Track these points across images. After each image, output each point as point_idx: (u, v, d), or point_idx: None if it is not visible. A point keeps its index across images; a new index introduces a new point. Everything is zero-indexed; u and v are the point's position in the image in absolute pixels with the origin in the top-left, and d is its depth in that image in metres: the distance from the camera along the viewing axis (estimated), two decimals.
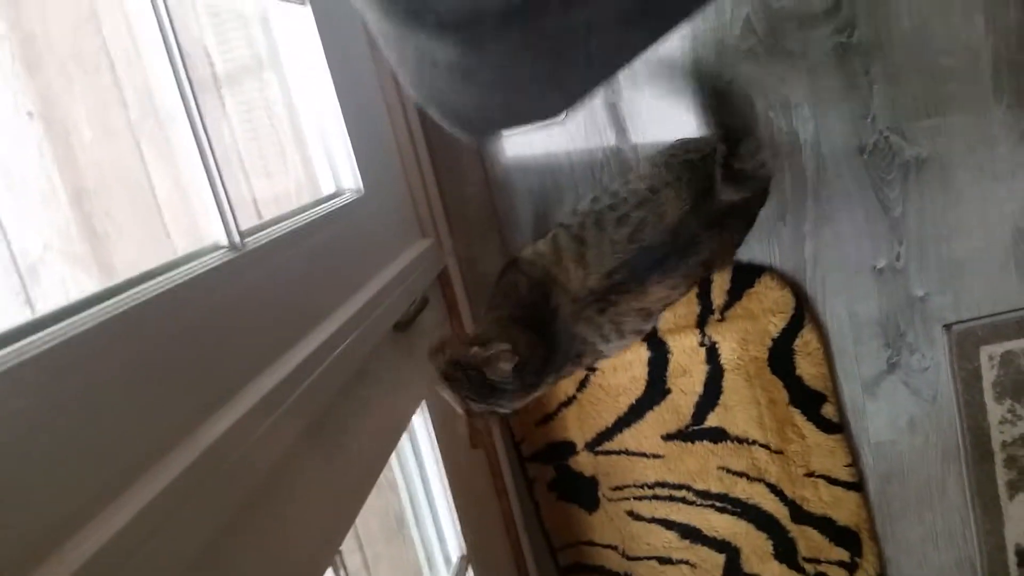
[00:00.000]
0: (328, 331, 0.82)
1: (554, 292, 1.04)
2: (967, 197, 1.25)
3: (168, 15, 0.69)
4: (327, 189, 1.06)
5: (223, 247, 0.72)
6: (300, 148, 1.13)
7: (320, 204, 0.97)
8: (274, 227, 0.84)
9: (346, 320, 0.86)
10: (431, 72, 0.48)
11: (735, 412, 1.37)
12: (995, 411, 1.34)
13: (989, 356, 1.31)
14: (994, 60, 1.18)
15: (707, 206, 1.02)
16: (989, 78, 1.19)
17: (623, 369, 1.38)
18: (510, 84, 0.51)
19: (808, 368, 1.33)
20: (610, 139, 1.29)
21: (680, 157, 1.07)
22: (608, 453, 1.44)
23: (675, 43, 1.24)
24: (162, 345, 0.57)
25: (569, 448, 1.45)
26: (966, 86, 1.20)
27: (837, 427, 1.35)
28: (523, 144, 1.31)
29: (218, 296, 0.66)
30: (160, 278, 0.61)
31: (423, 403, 1.15)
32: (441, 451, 1.18)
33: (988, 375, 1.32)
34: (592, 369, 1.38)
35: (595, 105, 1.27)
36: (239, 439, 0.58)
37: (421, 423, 1.16)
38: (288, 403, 0.67)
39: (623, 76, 1.26)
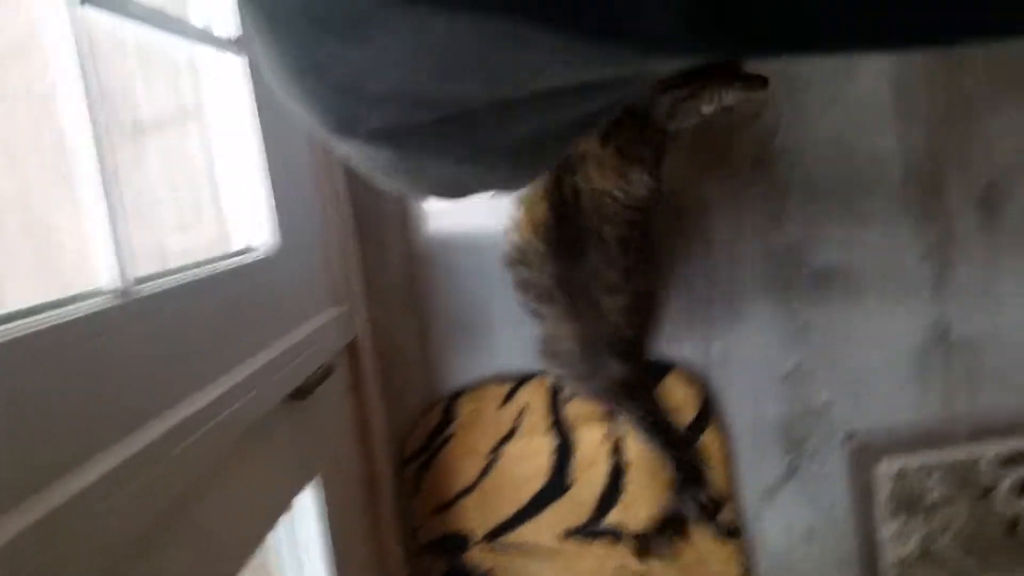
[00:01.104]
0: (214, 393, 0.78)
1: None
2: (874, 309, 1.31)
3: (91, 54, 0.68)
4: (240, 244, 1.04)
5: (110, 292, 0.68)
6: (219, 200, 1.10)
7: (229, 259, 0.95)
8: (171, 277, 0.80)
9: (237, 383, 0.82)
10: (372, 165, 0.49)
11: (637, 510, 1.36)
12: (889, 526, 1.37)
13: (886, 469, 1.36)
14: (904, 176, 1.27)
15: None
16: (899, 193, 1.28)
17: (528, 458, 1.36)
18: (454, 181, 0.54)
19: (709, 470, 1.34)
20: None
21: None
22: (506, 547, 1.40)
23: None
24: (19, 388, 0.52)
25: (464, 541, 1.40)
26: (877, 199, 1.28)
27: (734, 533, 1.36)
28: (446, 217, 1.32)
29: (96, 343, 0.63)
30: (34, 317, 0.58)
31: (316, 479, 1.09)
32: (332, 534, 1.13)
33: (884, 488, 1.36)
34: (495, 457, 1.36)
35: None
36: (84, 510, 0.53)
37: (310, 501, 1.10)
38: (154, 470, 0.62)
39: None
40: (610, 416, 1.33)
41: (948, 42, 0.32)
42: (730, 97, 0.89)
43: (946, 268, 1.29)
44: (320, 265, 1.22)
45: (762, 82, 0.89)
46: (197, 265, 0.89)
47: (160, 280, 0.79)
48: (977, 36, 0.31)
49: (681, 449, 1.21)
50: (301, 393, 1.04)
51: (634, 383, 1.15)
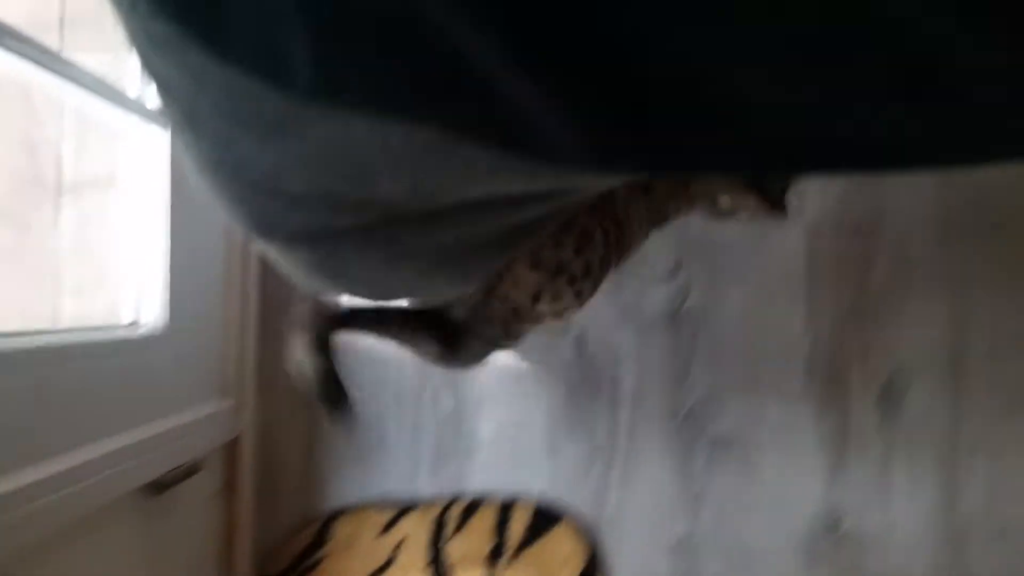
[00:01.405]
0: (51, 470, 0.71)
1: None
2: (767, 482, 1.30)
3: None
4: (127, 317, 0.99)
5: None
6: (118, 270, 1.06)
7: (105, 330, 0.90)
8: (33, 337, 0.75)
9: (80, 463, 0.76)
10: (293, 266, 0.48)
11: None
12: None
13: None
14: (810, 353, 1.30)
15: None
16: (803, 370, 1.30)
17: None
18: (379, 285, 0.52)
19: None
20: None
21: None
22: None
23: None
24: None
25: None
26: (781, 374, 1.30)
27: None
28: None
29: None
30: None
31: None
32: None
33: None
34: None
35: None
36: None
37: None
38: None
39: None
40: (491, 560, 1.26)
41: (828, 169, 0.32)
42: (749, 203, 0.89)
43: (842, 458, 1.30)
44: (211, 354, 1.17)
45: (783, 212, 0.89)
46: (68, 331, 0.84)
47: (22, 339, 0.74)
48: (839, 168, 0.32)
49: None
50: (158, 488, 0.97)
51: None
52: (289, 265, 0.48)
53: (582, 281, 0.80)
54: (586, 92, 0.29)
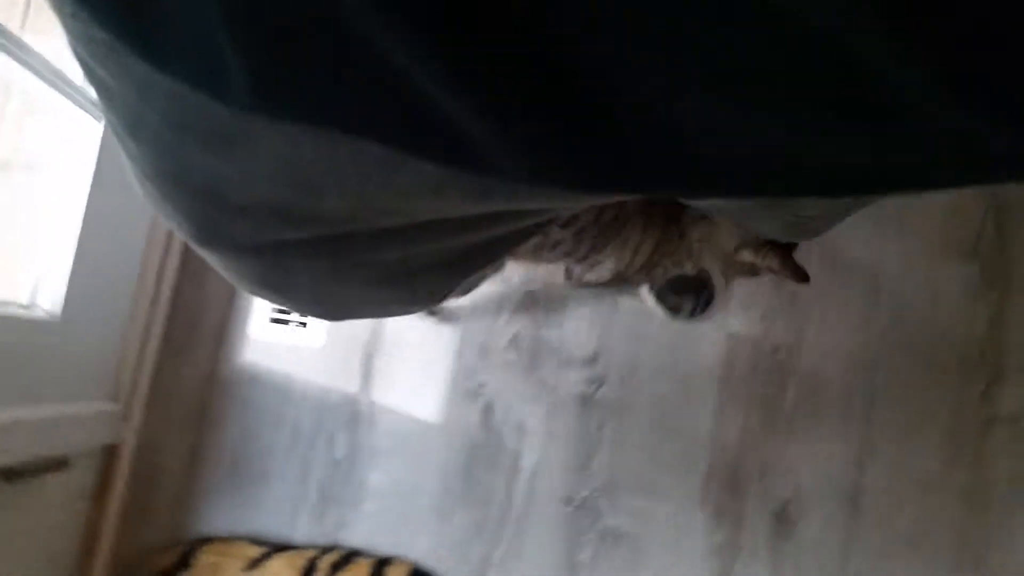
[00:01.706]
0: None
1: None
2: None
3: None
4: (20, 296, 0.97)
5: None
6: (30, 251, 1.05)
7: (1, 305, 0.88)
8: None
9: None
10: (237, 275, 0.47)
11: None
12: None
13: None
14: (712, 461, 1.30)
15: None
16: (701, 480, 1.30)
17: None
18: (328, 301, 0.51)
19: None
20: (353, 386, 1.28)
21: None
22: None
23: (446, 330, 1.30)
24: None
25: None
26: (680, 480, 1.29)
27: None
28: (265, 353, 1.28)
29: None
30: None
31: None
32: None
33: None
34: None
35: (353, 347, 1.28)
36: None
37: None
38: None
39: (388, 333, 1.29)
40: None
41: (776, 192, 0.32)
42: (772, 264, 0.90)
43: (728, 571, 1.28)
44: (106, 354, 1.14)
45: (803, 277, 0.91)
46: None
47: None
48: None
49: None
50: (11, 475, 0.93)
51: None
52: (232, 274, 0.47)
53: None
54: (517, 108, 0.29)
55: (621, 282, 1.13)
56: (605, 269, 1.09)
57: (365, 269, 0.46)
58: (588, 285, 1.21)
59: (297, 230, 0.39)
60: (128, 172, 0.40)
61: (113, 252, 1.09)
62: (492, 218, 0.42)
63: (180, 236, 0.42)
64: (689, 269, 1.03)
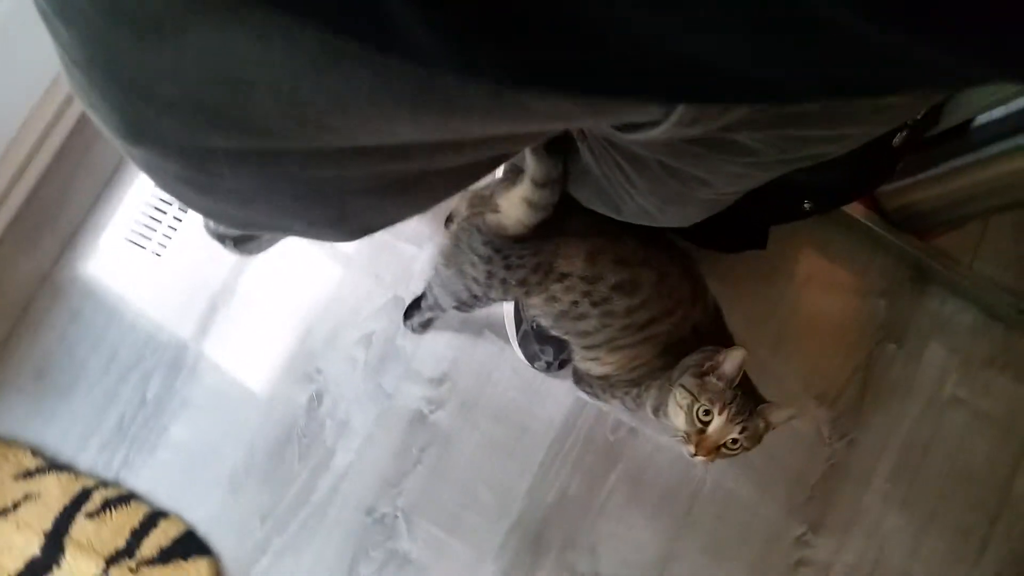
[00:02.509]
0: None
1: None
2: None
3: None
4: None
5: None
6: None
7: None
8: None
9: None
10: (160, 178, 0.45)
11: None
12: None
13: None
14: (518, 519, 1.27)
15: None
16: (505, 532, 1.26)
17: (1, 547, 1.15)
18: (251, 206, 0.49)
19: None
20: (187, 331, 1.23)
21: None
22: None
23: (301, 305, 1.25)
24: None
25: None
26: (484, 525, 1.26)
27: None
28: (109, 270, 1.23)
29: None
30: None
31: None
32: None
33: None
34: None
35: (200, 292, 1.23)
36: None
37: None
38: None
39: (240, 289, 1.24)
40: (112, 560, 1.16)
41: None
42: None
43: None
44: None
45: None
46: None
47: None
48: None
49: None
50: None
51: None
52: (156, 173, 0.45)
53: None
54: None
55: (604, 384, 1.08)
56: (601, 368, 1.05)
57: (297, 184, 0.44)
58: (581, 380, 1.18)
59: (227, 137, 0.38)
60: (60, 62, 0.38)
61: None
62: (430, 148, 0.42)
63: (105, 132, 0.40)
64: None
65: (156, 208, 1.26)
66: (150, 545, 1.18)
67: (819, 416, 1.33)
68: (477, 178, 0.54)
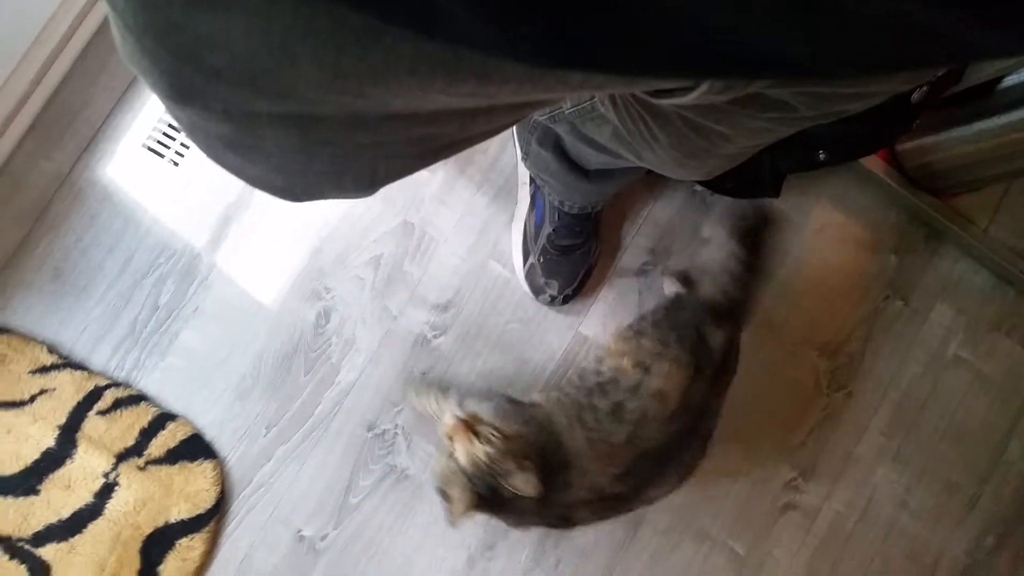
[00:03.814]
0: None
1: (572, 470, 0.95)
2: (414, 536, 1.27)
3: None
4: None
5: None
6: None
7: None
8: None
9: None
10: (203, 138, 0.47)
11: (76, 560, 1.19)
12: None
13: None
14: None
15: (707, 361, 0.96)
16: None
17: (17, 438, 1.19)
18: (289, 171, 0.50)
19: (172, 571, 1.21)
20: (201, 241, 1.24)
21: (664, 316, 1.02)
22: None
23: (313, 224, 1.25)
24: None
25: None
26: None
27: None
28: (127, 175, 1.23)
29: None
30: None
31: None
32: None
33: None
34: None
35: (215, 204, 1.23)
36: None
37: None
38: None
39: (255, 204, 1.24)
40: (121, 456, 1.19)
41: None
42: None
43: (491, 548, 1.27)
44: None
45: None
46: None
47: None
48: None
49: None
50: None
51: None
52: (199, 134, 0.47)
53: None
54: None
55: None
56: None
57: (334, 147, 0.46)
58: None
59: (271, 103, 0.39)
60: (112, 26, 0.39)
61: (8, 7, 1.02)
62: (464, 113, 0.44)
63: (153, 91, 0.42)
64: None
65: None
66: (158, 445, 1.21)
67: (819, 366, 1.33)
68: (501, 131, 0.55)
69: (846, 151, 1.23)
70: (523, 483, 0.90)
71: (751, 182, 1.23)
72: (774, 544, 1.30)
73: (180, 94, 0.40)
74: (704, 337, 0.97)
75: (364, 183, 0.54)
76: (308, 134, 0.44)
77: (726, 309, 1.01)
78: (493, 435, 0.93)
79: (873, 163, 1.30)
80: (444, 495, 0.96)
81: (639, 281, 1.31)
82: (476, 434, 0.93)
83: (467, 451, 0.92)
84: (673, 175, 0.77)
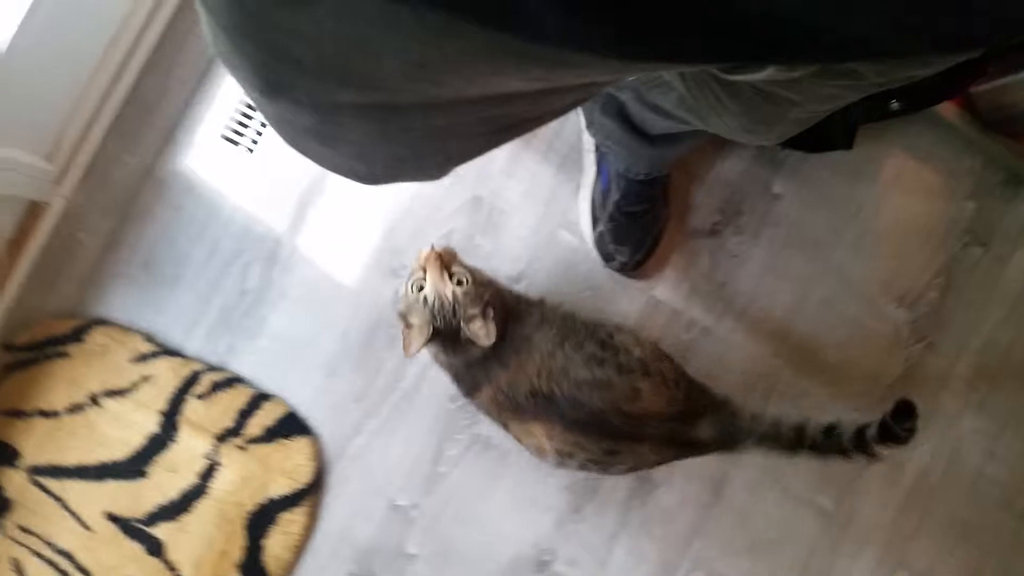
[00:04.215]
0: None
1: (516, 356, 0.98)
2: (502, 501, 1.30)
3: None
4: None
5: None
6: None
7: None
8: None
9: None
10: (288, 127, 0.50)
11: (186, 538, 1.25)
12: None
13: None
14: None
15: (687, 437, 0.98)
16: None
17: (123, 424, 1.24)
18: (370, 157, 0.53)
19: (276, 546, 1.26)
20: (281, 226, 1.27)
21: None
22: (45, 491, 1.25)
23: (385, 205, 1.27)
24: None
25: (11, 456, 1.24)
26: None
27: None
28: (206, 165, 1.26)
29: None
30: None
31: None
32: None
33: None
34: (95, 402, 1.24)
35: (291, 189, 1.26)
36: None
37: None
38: None
39: (329, 188, 1.27)
40: (221, 437, 1.24)
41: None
42: None
43: (579, 510, 1.29)
44: (50, 113, 1.11)
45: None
46: None
47: None
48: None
49: None
50: None
51: None
52: (285, 126, 0.49)
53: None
54: None
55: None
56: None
57: (411, 132, 0.48)
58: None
59: (356, 94, 0.41)
60: (203, 24, 0.41)
61: (85, 8, 1.04)
62: (535, 95, 0.45)
63: (244, 88, 0.44)
64: None
65: (248, 105, 1.28)
66: (255, 424, 1.26)
67: (898, 318, 1.31)
68: (570, 110, 0.56)
69: (920, 99, 1.20)
70: (481, 331, 0.92)
71: (823, 136, 1.21)
72: (861, 498, 1.30)
73: (271, 88, 0.42)
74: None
75: (439, 165, 0.57)
76: (388, 121, 0.46)
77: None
78: (466, 277, 0.94)
79: (946, 108, 1.27)
80: (404, 321, 0.97)
81: (710, 242, 1.30)
82: (450, 273, 0.94)
83: (436, 285, 0.93)
84: (741, 140, 0.77)
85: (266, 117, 0.49)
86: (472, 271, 0.96)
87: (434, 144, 0.52)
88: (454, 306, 0.92)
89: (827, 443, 0.94)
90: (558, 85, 0.45)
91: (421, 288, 0.93)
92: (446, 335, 0.94)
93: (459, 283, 0.92)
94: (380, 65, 0.38)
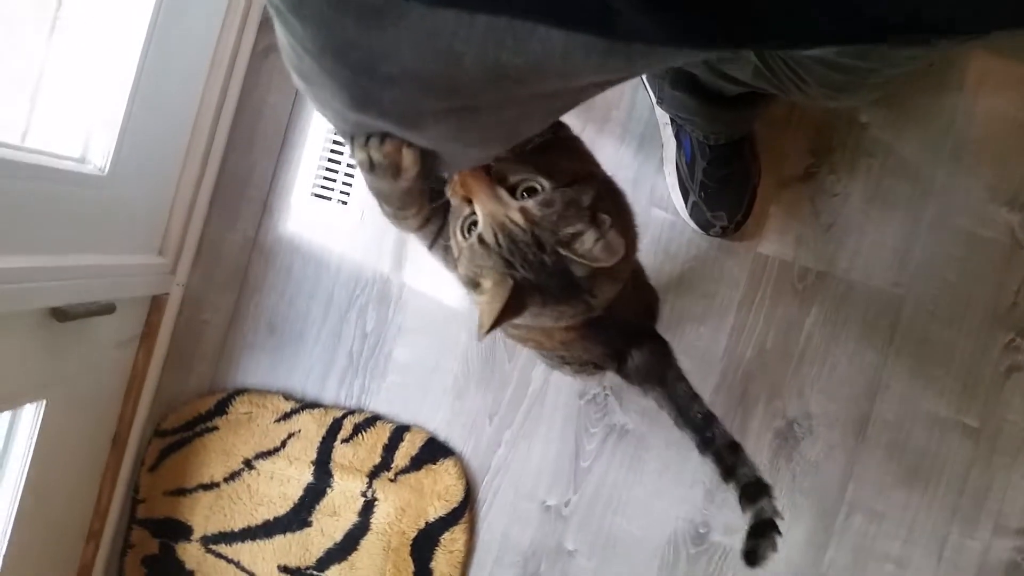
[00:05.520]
0: None
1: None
2: (649, 483, 1.30)
3: None
4: (69, 150, 0.97)
5: None
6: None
7: (52, 156, 0.89)
8: None
9: None
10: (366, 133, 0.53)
11: (358, 574, 1.29)
12: None
13: None
14: (721, 379, 1.29)
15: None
16: (710, 392, 1.28)
17: (280, 481, 1.29)
18: (441, 152, 0.54)
19: (443, 565, 1.29)
20: (385, 266, 1.29)
21: None
22: (220, 557, 1.31)
23: None
24: None
25: (185, 532, 1.31)
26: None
27: None
28: (305, 225, 1.29)
29: None
30: None
31: (40, 403, 1.01)
32: (34, 463, 1.03)
33: None
34: (249, 466, 1.29)
35: (386, 230, 1.28)
36: None
37: (24, 422, 1.02)
38: None
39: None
40: (373, 474, 1.28)
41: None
42: None
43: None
44: (155, 210, 1.16)
45: None
46: (15, 147, 0.83)
47: None
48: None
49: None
50: (64, 315, 0.97)
51: None
52: (361, 128, 0.51)
53: None
54: None
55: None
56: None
57: (485, 128, 0.50)
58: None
59: (438, 100, 0.43)
60: (288, 50, 0.43)
61: (165, 112, 1.08)
62: (604, 83, 0.47)
63: (328, 105, 0.47)
64: None
65: (330, 160, 1.31)
66: (401, 456, 1.29)
67: (1011, 221, 1.25)
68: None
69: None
70: (598, 246, 0.51)
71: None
72: (1006, 409, 1.26)
73: (358, 102, 0.44)
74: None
75: (505, 145, 0.57)
76: (464, 120, 0.47)
77: None
78: (537, 182, 0.59)
79: None
80: (473, 288, 0.61)
81: (807, 186, 1.27)
82: (509, 185, 0.52)
83: (492, 212, 0.49)
84: (824, 106, 0.77)
85: (345, 124, 0.51)
86: (548, 164, 0.60)
87: (501, 130, 0.53)
88: (533, 232, 0.57)
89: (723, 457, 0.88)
90: (631, 74, 0.46)
91: (473, 227, 0.60)
92: (547, 284, 0.59)
93: (528, 192, 0.58)
94: (462, 73, 0.39)
